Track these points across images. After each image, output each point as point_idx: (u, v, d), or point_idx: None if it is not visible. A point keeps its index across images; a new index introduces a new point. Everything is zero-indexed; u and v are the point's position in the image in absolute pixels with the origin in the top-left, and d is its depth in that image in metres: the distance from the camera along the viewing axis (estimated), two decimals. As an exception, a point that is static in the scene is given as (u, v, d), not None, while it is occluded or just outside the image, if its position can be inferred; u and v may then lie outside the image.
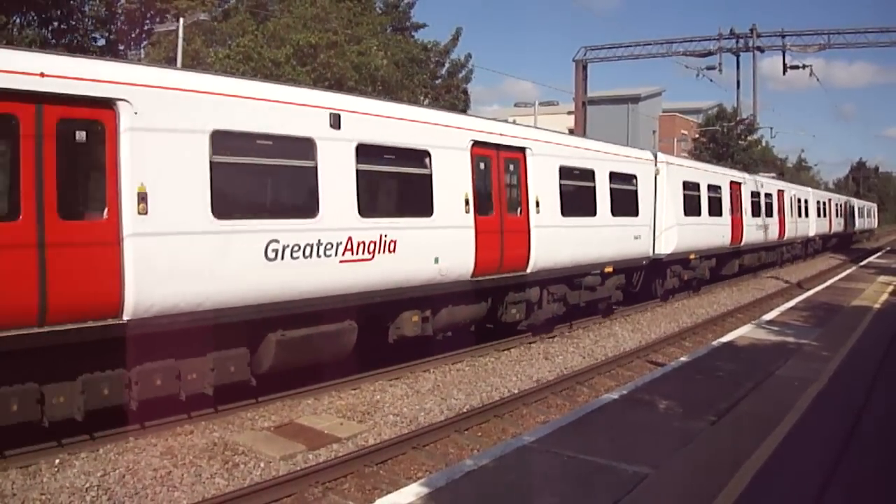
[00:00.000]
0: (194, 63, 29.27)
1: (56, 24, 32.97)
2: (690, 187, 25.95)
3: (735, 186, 31.13)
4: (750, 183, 33.90)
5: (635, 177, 22.08)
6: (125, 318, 9.55)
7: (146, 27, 36.93)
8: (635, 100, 78.45)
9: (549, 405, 13.08)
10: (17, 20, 31.53)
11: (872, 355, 14.45)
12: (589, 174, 19.57)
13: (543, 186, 17.22)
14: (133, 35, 37.42)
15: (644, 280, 23.87)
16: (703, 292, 29.13)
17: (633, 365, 16.32)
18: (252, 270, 10.92)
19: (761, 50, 44.80)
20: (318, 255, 11.82)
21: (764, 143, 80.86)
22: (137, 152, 9.65)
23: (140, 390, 9.98)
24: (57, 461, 9.36)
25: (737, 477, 7.74)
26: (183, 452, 9.91)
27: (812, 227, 47.83)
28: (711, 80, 48.32)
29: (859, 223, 74.69)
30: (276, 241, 11.19)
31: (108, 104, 9.50)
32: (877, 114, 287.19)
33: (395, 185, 14.28)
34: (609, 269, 20.43)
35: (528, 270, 16.80)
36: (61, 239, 8.98)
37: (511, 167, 16.54)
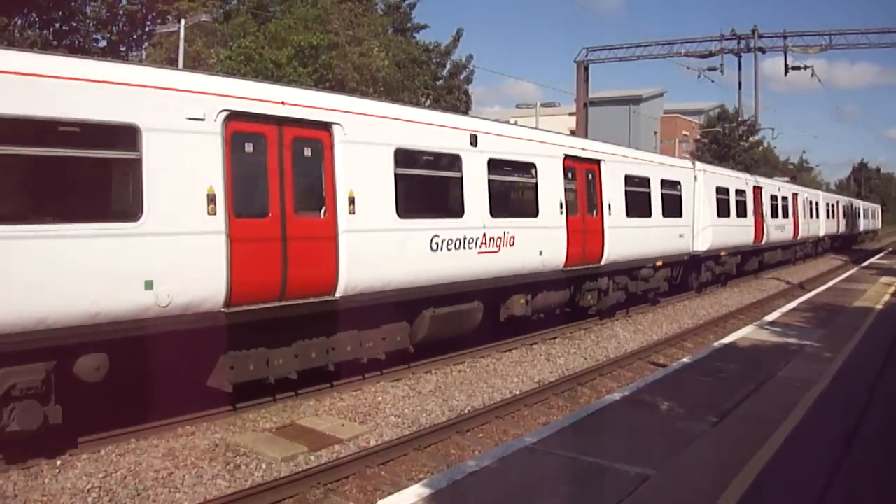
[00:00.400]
0: (195, 64, 29.29)
1: (58, 25, 33.05)
2: (721, 192, 28.88)
3: (757, 190, 34.05)
4: (769, 187, 37.17)
5: (679, 183, 25.15)
6: (337, 295, 12.23)
7: (147, 28, 36.95)
8: (637, 101, 78.39)
9: (550, 406, 13.08)
10: (19, 21, 31.59)
11: (874, 356, 14.43)
12: (646, 181, 22.68)
13: (613, 192, 20.38)
14: (134, 36, 37.45)
15: (682, 274, 26.67)
16: (706, 293, 29.23)
17: (634, 366, 16.31)
18: (422, 259, 13.85)
19: (763, 51, 44.74)
20: (463, 248, 14.85)
21: (766, 144, 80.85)
22: (347, 165, 12.34)
23: (335, 354, 12.69)
24: (58, 462, 9.37)
25: (739, 478, 7.73)
26: (184, 454, 9.91)
27: (822, 227, 50.90)
28: (713, 81, 48.32)
29: (864, 224, 77.78)
30: (438, 235, 14.18)
31: (326, 126, 12.17)
32: (879, 114, 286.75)
33: (514, 190, 17.40)
34: (659, 263, 23.64)
35: (602, 263, 19.93)
36: (296, 234, 11.52)
37: (590, 176, 19.69)
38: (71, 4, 32.82)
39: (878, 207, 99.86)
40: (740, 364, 13.95)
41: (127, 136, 9.63)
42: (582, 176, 19.23)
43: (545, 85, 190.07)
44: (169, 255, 9.89)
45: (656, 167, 23.82)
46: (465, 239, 14.82)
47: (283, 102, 11.47)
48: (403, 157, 13.56)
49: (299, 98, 12.00)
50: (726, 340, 16.69)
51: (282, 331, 11.61)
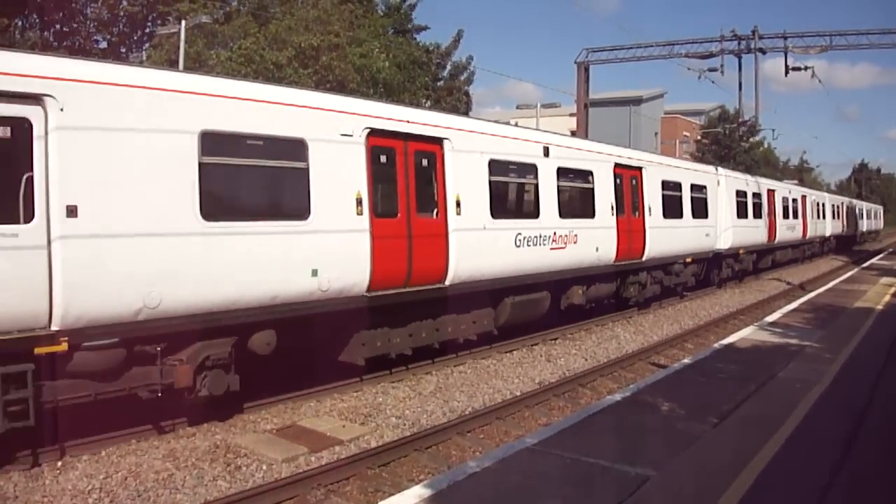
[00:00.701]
0: (196, 65, 29.27)
1: (58, 26, 33.04)
2: (740, 195, 31.60)
3: (770, 193, 36.91)
4: (781, 190, 40.24)
5: (705, 187, 27.71)
6: (446, 283, 14.52)
7: (148, 30, 36.91)
8: (637, 101, 78.44)
9: (551, 407, 13.09)
10: (20, 23, 31.60)
11: (875, 357, 14.42)
12: (678, 186, 25.25)
13: (653, 195, 23.00)
14: (135, 38, 37.42)
15: (705, 270, 29.18)
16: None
17: (635, 367, 16.31)
18: (508, 254, 16.21)
19: (763, 52, 44.66)
20: (539, 245, 17.23)
21: (766, 145, 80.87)
22: (454, 173, 14.70)
23: (439, 335, 15.03)
24: (59, 463, 9.38)
25: (740, 478, 7.72)
26: (185, 455, 9.92)
27: (828, 227, 54.26)
28: (713, 82, 48.20)
29: (867, 224, 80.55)
30: (520, 234, 16.62)
31: (439, 141, 14.58)
32: (879, 115, 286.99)
33: (576, 194, 19.49)
34: (689, 260, 26.42)
35: (643, 259, 22.45)
36: (418, 231, 13.85)
37: (633, 181, 22.12)
38: (72, 6, 32.80)
39: (881, 208, 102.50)
40: (741, 365, 13.94)
41: (298, 148, 11.81)
42: (627, 181, 21.78)
43: (545, 86, 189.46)
44: (329, 248, 12.10)
45: (687, 173, 26.70)
46: (540, 237, 17.30)
47: (408, 121, 13.92)
48: (495, 166, 15.95)
49: (419, 117, 14.43)
50: (727, 341, 16.68)
51: (400, 313, 13.96)
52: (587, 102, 47.48)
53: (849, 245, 67.16)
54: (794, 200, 42.37)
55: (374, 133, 13.03)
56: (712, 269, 29.83)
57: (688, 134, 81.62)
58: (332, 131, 12.36)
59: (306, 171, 11.84)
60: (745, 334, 17.49)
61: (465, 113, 36.75)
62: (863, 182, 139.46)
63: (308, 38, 29.91)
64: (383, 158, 13.37)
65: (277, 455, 10.03)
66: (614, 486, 7.73)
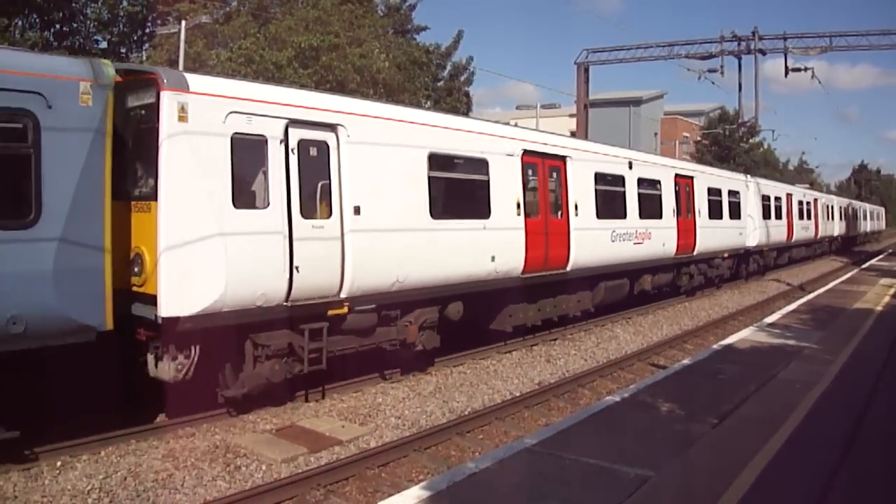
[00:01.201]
0: (196, 65, 29.27)
1: (58, 26, 33.00)
2: (765, 199, 35.94)
3: (789, 196, 41.29)
4: (797, 194, 44.52)
5: (738, 192, 32.13)
6: (567, 269, 18.48)
7: (148, 30, 36.86)
8: (637, 102, 78.44)
9: (550, 408, 13.10)
10: (19, 22, 31.57)
11: (874, 358, 14.43)
12: (719, 191, 29.61)
13: (701, 200, 27.42)
14: (135, 38, 37.38)
15: (736, 264, 33.42)
16: (707, 293, 29.28)
17: (634, 367, 16.33)
18: (606, 247, 20.37)
19: (763, 52, 44.76)
20: (626, 240, 21.43)
21: (766, 146, 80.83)
22: (573, 183, 18.73)
23: (556, 311, 18.85)
24: (59, 463, 9.38)
25: (739, 479, 7.73)
26: (184, 455, 9.92)
27: (836, 228, 58.77)
28: (713, 83, 48.13)
29: (871, 225, 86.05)
30: (615, 231, 20.77)
31: (563, 159, 18.59)
32: (879, 116, 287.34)
33: (649, 200, 23.25)
34: (726, 255, 30.89)
35: (694, 253, 26.78)
36: (552, 229, 17.89)
37: (687, 188, 26.33)
38: (72, 6, 32.77)
39: (882, 210, 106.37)
40: (740, 365, 13.94)
41: (483, 165, 15.76)
42: (683, 188, 25.89)
43: (545, 86, 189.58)
44: (501, 240, 16.02)
45: (725, 180, 31.26)
46: (627, 234, 21.40)
47: (544, 143, 18.22)
48: (598, 178, 20.01)
49: (552, 140, 18.89)
50: (726, 342, 16.68)
51: (534, 292, 17.72)
52: (587, 103, 47.54)
53: (853, 244, 70.60)
54: (808, 203, 46.67)
55: (525, 153, 17.06)
56: (741, 263, 34.02)
57: (687, 135, 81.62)
58: (502, 152, 16.32)
59: (488, 182, 15.81)
60: (745, 335, 17.49)
61: (465, 113, 36.82)
62: (862, 183, 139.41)
63: (308, 39, 29.86)
64: (530, 172, 17.39)
65: (277, 455, 10.03)
66: (613, 486, 7.73)
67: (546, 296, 18.25)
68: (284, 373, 11.74)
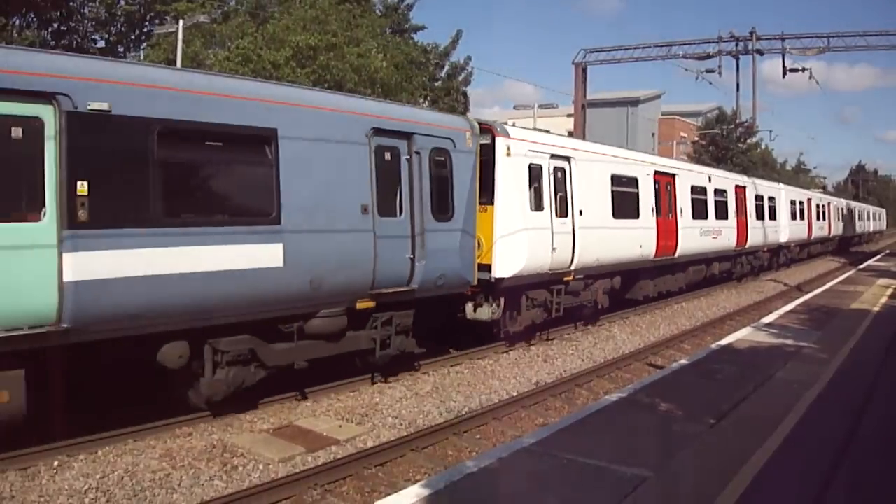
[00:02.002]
0: (194, 65, 29.24)
1: (56, 25, 32.97)
2: (792, 203, 42.91)
3: (808, 201, 48.01)
4: (815, 198, 51.97)
5: (775, 197, 39.27)
6: (675, 256, 24.75)
7: (146, 29, 36.86)
8: (635, 102, 78.51)
9: (547, 408, 13.10)
10: (17, 21, 31.53)
11: (872, 358, 14.45)
12: (761, 197, 36.53)
13: (752, 205, 34.42)
14: (133, 37, 37.37)
15: (770, 258, 40.08)
16: (706, 293, 29.32)
17: (632, 368, 16.34)
18: (698, 240, 26.94)
19: (761, 53, 44.87)
20: (707, 236, 27.87)
21: (763, 147, 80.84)
22: (681, 192, 25.19)
23: (665, 286, 25.46)
24: (55, 463, 9.36)
25: (736, 479, 7.73)
26: (182, 454, 9.90)
27: (845, 228, 66.39)
28: (711, 83, 48.27)
29: (874, 225, 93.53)
30: (702, 228, 27.27)
31: (674, 176, 25.08)
32: (877, 117, 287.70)
33: (721, 205, 29.87)
34: (765, 249, 37.89)
35: (746, 247, 33.67)
36: (664, 227, 23.81)
37: (742, 195, 33.10)
38: (69, 5, 32.73)
39: (883, 211, 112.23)
40: (738, 366, 13.95)
41: (635, 181, 22.29)
42: (741, 196, 32.93)
43: (543, 86, 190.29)
44: (644, 234, 22.79)
45: (766, 188, 38.21)
46: (707, 231, 28.04)
47: (663, 165, 25.39)
48: (693, 189, 27.12)
49: (668, 163, 26.83)
50: (724, 342, 16.70)
51: (655, 272, 24.47)
52: (585, 103, 47.54)
53: (857, 243, 76.78)
54: (823, 206, 53.82)
55: (656, 172, 23.75)
56: (774, 256, 40.58)
57: (685, 135, 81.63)
58: (644, 172, 23.15)
59: (637, 193, 22.43)
60: (743, 335, 17.51)
61: (464, 114, 36.90)
62: (860, 184, 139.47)
63: (306, 38, 29.83)
64: (657, 185, 23.76)
65: (274, 455, 10.02)
66: (611, 486, 7.73)
67: (660, 275, 24.99)
68: (542, 317, 18.08)
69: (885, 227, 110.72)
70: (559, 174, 18.19)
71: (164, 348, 10.14)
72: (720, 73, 45.34)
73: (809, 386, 12.01)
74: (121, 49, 35.99)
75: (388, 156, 13.31)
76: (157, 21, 35.69)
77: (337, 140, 12.19)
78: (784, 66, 44.54)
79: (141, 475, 9.13)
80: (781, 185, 42.40)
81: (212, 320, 10.56)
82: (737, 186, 32.37)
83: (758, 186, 36.25)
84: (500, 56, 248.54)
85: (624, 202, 21.40)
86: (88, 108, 9.13)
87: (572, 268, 18.37)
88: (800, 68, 45.08)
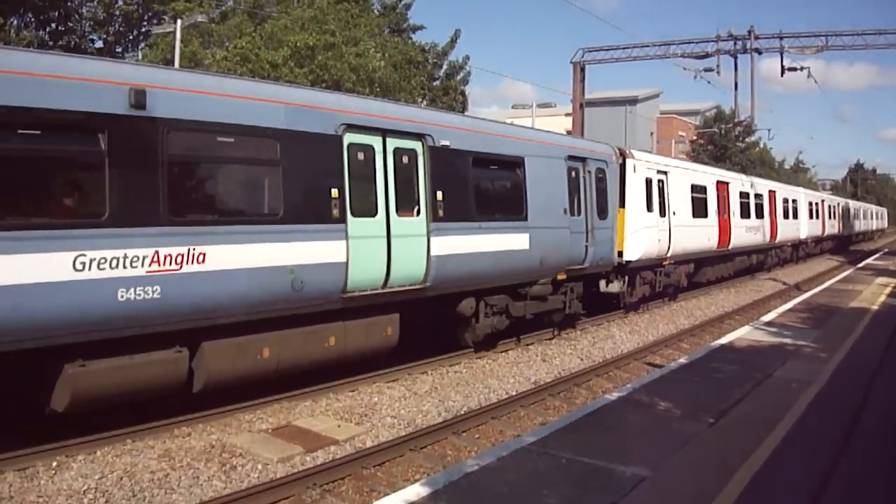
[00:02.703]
0: (192, 65, 29.23)
1: (53, 25, 32.98)
2: (810, 204, 49.72)
3: (822, 202, 54.90)
4: (829, 200, 60.28)
5: (797, 199, 45.97)
6: (730, 248, 31.58)
7: (144, 29, 36.87)
8: (633, 101, 78.43)
9: (546, 407, 13.09)
10: (15, 21, 31.54)
11: (870, 357, 14.47)
12: (787, 200, 42.99)
13: (778, 206, 40.25)
14: (130, 37, 37.38)
15: (792, 251, 47.14)
16: (703, 292, 29.36)
17: (630, 367, 16.33)
18: (743, 235, 32.94)
19: (759, 52, 44.66)
20: (749, 232, 34.14)
21: (762, 145, 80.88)
22: (732, 197, 32.00)
23: (722, 273, 32.60)
24: (54, 463, 9.34)
25: (735, 478, 7.74)
26: (180, 455, 9.89)
27: (853, 226, 74.03)
28: (709, 82, 47.96)
29: (876, 224, 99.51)
30: (747, 226, 33.58)
31: (727, 183, 31.33)
32: (876, 115, 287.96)
33: (759, 207, 36.24)
34: (789, 244, 44.17)
35: (776, 242, 39.71)
36: (723, 224, 30.25)
37: (773, 199, 39.07)
38: (67, 5, 32.74)
39: (885, 210, 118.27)
40: (737, 364, 13.96)
41: (703, 189, 28.49)
42: (773, 199, 39.18)
43: (542, 85, 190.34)
44: (711, 230, 28.81)
45: (789, 191, 45.24)
46: (750, 228, 34.25)
47: (721, 175, 31.71)
48: (743, 195, 33.62)
49: (721, 172, 32.36)
50: (723, 341, 16.71)
51: (714, 261, 30.26)
52: (583, 102, 47.43)
53: (862, 240, 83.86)
54: (833, 207, 60.50)
55: (718, 182, 30.38)
56: (796, 249, 47.14)
57: (683, 134, 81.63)
58: (709, 182, 29.38)
59: (706, 198, 28.36)
60: (741, 334, 17.53)
61: (461, 112, 37.00)
62: (858, 182, 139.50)
63: (304, 38, 29.86)
64: (719, 191, 29.83)
65: (273, 455, 10.01)
66: (610, 485, 7.74)
67: (718, 263, 31.21)
68: (648, 292, 24.18)
69: (886, 225, 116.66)
70: (660, 184, 24.13)
71: (462, 302, 15.36)
72: (718, 73, 45.15)
73: (808, 385, 12.02)
74: (119, 49, 36.00)
75: (573, 174, 18.84)
76: (154, 21, 35.71)
77: (550, 163, 17.89)
78: (782, 65, 44.34)
79: (140, 475, 9.12)
80: (801, 189, 50.37)
81: (493, 283, 15.83)
82: (769, 191, 38.93)
83: (785, 191, 43.74)
84: (499, 55, 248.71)
85: (698, 205, 27.65)
86: (440, 144, 14.26)
87: (668, 255, 24.52)
88: (798, 67, 44.89)
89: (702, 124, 75.67)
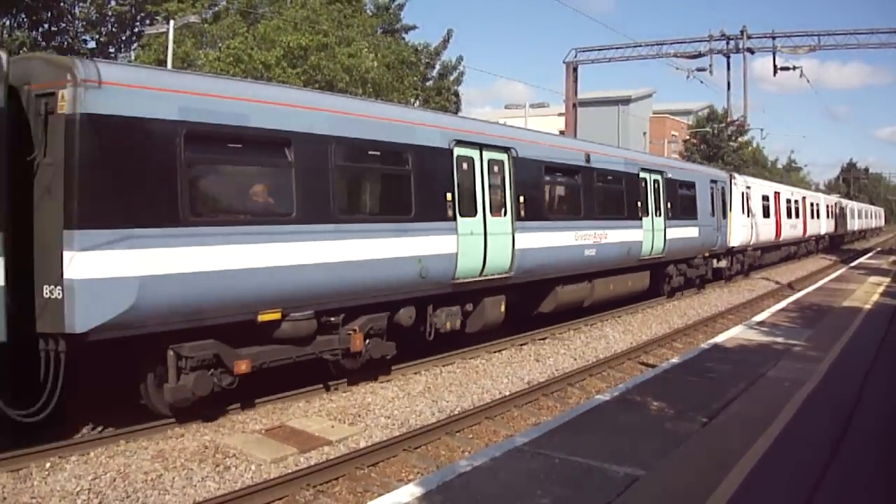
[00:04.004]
0: (184, 65, 29.21)
1: (46, 26, 32.89)
2: (828, 206, 59.77)
3: (836, 204, 65.71)
4: (842, 203, 71.30)
5: (819, 203, 55.49)
6: (779, 240, 42.61)
7: (136, 29, 36.81)
8: (626, 101, 78.41)
9: (540, 407, 13.10)
10: (7, 22, 31.46)
11: (863, 356, 14.49)
12: (812, 205, 51.85)
13: (808, 211, 49.05)
14: (123, 37, 37.32)
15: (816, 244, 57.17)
16: (700, 292, 29.42)
17: (624, 366, 16.34)
18: (788, 231, 43.82)
19: (752, 51, 44.68)
20: (791, 230, 44.20)
21: (755, 145, 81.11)
22: (783, 203, 43.14)
23: (773, 259, 43.44)
24: (48, 464, 9.33)
25: (728, 478, 7.75)
26: (174, 455, 9.88)
27: (854, 224, 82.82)
28: (702, 82, 48.20)
29: (874, 222, 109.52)
30: (790, 224, 43.76)
31: (777, 193, 43.08)
32: (868, 115, 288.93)
33: (796, 211, 46.27)
34: (813, 239, 52.82)
35: (805, 236, 48.70)
36: (761, 222, 37.83)
37: (804, 203, 48.86)
38: (60, 5, 32.66)
39: (881, 210, 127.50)
40: (730, 364, 14.00)
41: (769, 198, 39.97)
42: (804, 203, 48.12)
43: (535, 85, 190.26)
44: (770, 227, 39.39)
45: (814, 197, 56.62)
46: (792, 225, 44.01)
47: (772, 186, 44.20)
48: (788, 201, 43.86)
49: (776, 184, 46.57)
50: (716, 341, 16.75)
51: (770, 249, 40.88)
52: (576, 102, 47.49)
53: (861, 237, 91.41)
54: (843, 207, 71.03)
55: (775, 192, 41.34)
56: (818, 242, 56.74)
57: (676, 133, 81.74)
58: (772, 192, 40.50)
59: (769, 205, 38.77)
60: (734, 334, 17.56)
61: (455, 112, 37.02)
62: (851, 182, 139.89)
63: (297, 38, 29.87)
64: (769, 198, 38.82)
65: (266, 455, 10.01)
66: (603, 486, 7.75)
67: (773, 251, 41.12)
68: (739, 269, 34.92)
69: (883, 223, 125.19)
70: (747, 196, 34.51)
71: (668, 267, 26.52)
72: (711, 72, 45.15)
73: (801, 384, 12.05)
74: (111, 50, 35.93)
75: (713, 188, 29.78)
76: (147, 21, 35.64)
77: (706, 184, 29.33)
78: (775, 65, 44.41)
79: (133, 476, 9.12)
80: (821, 195, 64.36)
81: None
82: (802, 197, 49.41)
83: (811, 197, 55.35)
84: (491, 55, 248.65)
85: (766, 209, 38.28)
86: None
87: (751, 244, 35.21)
88: (791, 67, 44.94)
89: (694, 124, 75.81)
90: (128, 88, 9.70)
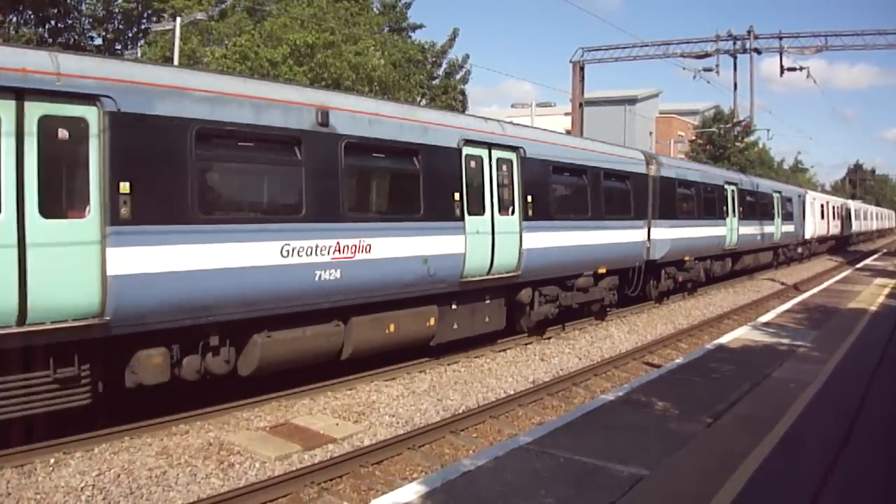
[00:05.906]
0: (191, 62, 29.23)
1: (53, 22, 32.92)
2: (856, 210, 70.85)
3: (843, 205, 66.78)
4: (859, 205, 78.99)
5: (850, 207, 67.39)
6: (806, 239, 49.80)
7: (143, 26, 36.83)
8: (632, 101, 78.33)
9: (544, 406, 13.09)
10: (14, 18, 31.49)
11: (869, 358, 14.46)
12: (846, 207, 65.97)
13: (827, 214, 55.51)
14: (130, 34, 37.34)
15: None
16: (698, 294, 29.36)
17: (628, 366, 16.32)
18: (821, 228, 53.37)
19: (759, 52, 44.50)
20: (836, 229, 59.88)
21: (761, 146, 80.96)
22: (826, 209, 56.67)
23: (811, 252, 52.66)
24: (52, 460, 9.35)
25: (733, 479, 7.74)
26: (178, 452, 9.90)
27: (863, 225, 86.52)
28: (709, 82, 47.74)
29: (886, 223, 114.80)
30: (825, 224, 54.45)
31: (803, 196, 49.62)
32: (875, 116, 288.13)
33: (828, 212, 56.47)
34: (844, 237, 65.44)
35: (828, 235, 56.89)
36: (820, 224, 53.98)
37: (837, 207, 61.26)
38: (66, 2, 32.70)
39: (893, 212, 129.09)
40: (734, 365, 13.97)
41: (792, 204, 44.12)
42: (837, 207, 58.93)
43: (541, 84, 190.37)
44: (804, 226, 47.22)
45: (842, 202, 65.29)
46: (832, 226, 57.83)
47: (820, 196, 59.21)
48: (830, 208, 57.23)
49: (821, 195, 62.99)
50: (721, 341, 16.71)
51: (820, 242, 54.41)
52: (582, 101, 47.37)
53: (867, 239, 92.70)
54: (864, 210, 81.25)
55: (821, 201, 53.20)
56: (846, 240, 66.70)
57: (682, 133, 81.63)
58: (821, 201, 53.76)
59: (804, 210, 46.62)
60: (739, 334, 17.53)
61: (462, 111, 37.01)
62: (857, 183, 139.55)
63: (303, 36, 29.85)
64: (803, 203, 46.81)
65: (271, 453, 10.01)
66: (608, 485, 7.74)
67: (821, 244, 51.41)
68: (808, 253, 49.74)
69: (893, 224, 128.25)
70: (804, 203, 45.06)
71: (761, 252, 36.95)
72: (718, 72, 44.92)
73: (806, 385, 12.02)
74: (118, 47, 35.97)
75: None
76: (154, 18, 35.66)
77: (785, 198, 40.85)
78: (782, 65, 44.22)
79: (137, 472, 9.13)
80: (851, 201, 76.09)
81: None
82: (841, 203, 61.29)
83: (838, 201, 63.80)
84: (498, 54, 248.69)
85: (818, 214, 49.07)
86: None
87: (806, 237, 46.52)
88: (798, 67, 44.77)
89: (701, 124, 75.69)
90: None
